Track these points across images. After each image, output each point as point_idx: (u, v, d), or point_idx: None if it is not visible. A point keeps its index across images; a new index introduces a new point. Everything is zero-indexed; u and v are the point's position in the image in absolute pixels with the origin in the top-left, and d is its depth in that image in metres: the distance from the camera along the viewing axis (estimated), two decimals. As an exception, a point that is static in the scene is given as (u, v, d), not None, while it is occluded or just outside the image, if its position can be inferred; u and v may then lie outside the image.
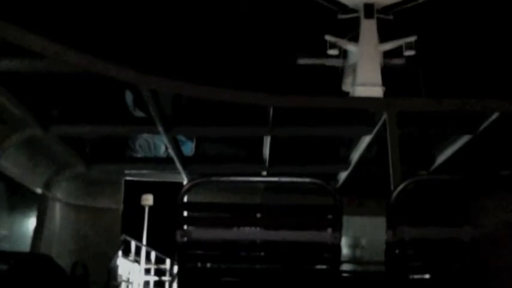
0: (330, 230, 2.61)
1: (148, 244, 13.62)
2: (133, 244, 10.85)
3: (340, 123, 5.15)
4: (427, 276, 2.63)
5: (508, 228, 2.43)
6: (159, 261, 12.38)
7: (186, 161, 6.07)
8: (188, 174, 6.22)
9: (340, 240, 2.59)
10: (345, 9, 26.26)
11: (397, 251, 2.54)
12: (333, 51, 25.62)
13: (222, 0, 25.61)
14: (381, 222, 2.66)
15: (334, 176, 6.38)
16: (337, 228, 2.60)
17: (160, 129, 4.96)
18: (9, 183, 5.04)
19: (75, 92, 5.09)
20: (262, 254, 2.83)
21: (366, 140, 5.21)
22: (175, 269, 10.33)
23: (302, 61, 25.18)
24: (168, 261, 12.28)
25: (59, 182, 5.89)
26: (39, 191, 5.57)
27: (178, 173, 6.19)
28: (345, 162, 5.98)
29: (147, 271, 11.94)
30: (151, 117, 4.75)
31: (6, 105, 4.32)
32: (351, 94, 22.93)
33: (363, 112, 4.96)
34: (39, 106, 4.75)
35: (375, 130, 4.88)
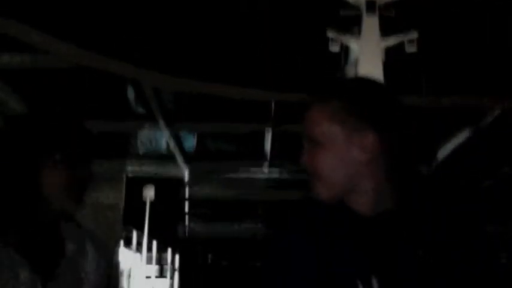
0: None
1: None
2: (134, 235, 10.84)
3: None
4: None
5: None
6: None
7: (187, 156, 6.07)
8: (190, 170, 6.22)
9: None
10: (347, 5, 26.22)
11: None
12: (334, 47, 25.62)
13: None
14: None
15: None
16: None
17: (161, 125, 4.96)
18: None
19: (76, 88, 5.09)
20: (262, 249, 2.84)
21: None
22: (177, 261, 10.37)
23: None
24: (169, 251, 12.31)
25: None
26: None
27: (180, 168, 6.19)
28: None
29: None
30: (152, 113, 4.75)
31: (7, 101, 4.32)
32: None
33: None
34: (40, 102, 4.75)
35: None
